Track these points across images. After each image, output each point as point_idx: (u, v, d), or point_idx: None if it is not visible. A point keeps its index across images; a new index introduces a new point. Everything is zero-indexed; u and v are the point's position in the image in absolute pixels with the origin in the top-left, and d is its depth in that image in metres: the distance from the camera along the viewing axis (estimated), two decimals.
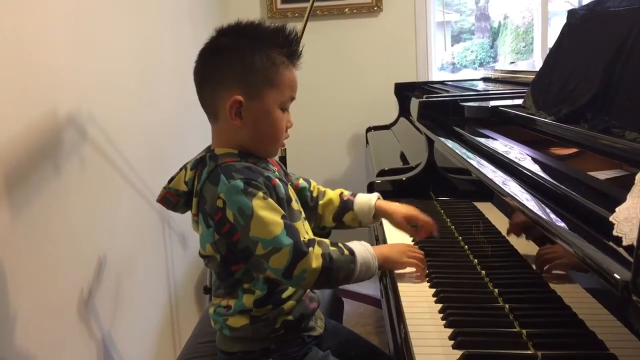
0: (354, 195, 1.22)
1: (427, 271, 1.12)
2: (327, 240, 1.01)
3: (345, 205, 1.20)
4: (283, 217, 0.96)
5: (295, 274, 0.93)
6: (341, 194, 1.22)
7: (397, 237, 1.29)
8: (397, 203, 1.25)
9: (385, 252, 1.08)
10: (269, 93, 1.01)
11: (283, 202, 1.01)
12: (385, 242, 1.32)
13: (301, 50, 1.05)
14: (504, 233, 1.07)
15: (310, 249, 0.95)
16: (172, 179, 1.06)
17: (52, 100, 1.28)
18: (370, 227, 1.66)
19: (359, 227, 1.23)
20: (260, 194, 0.95)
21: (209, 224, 0.98)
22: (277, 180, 1.01)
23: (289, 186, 1.07)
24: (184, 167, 1.05)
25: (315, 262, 0.94)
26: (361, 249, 1.02)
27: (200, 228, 1.01)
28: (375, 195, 1.23)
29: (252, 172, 0.98)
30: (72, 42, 1.38)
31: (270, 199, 0.96)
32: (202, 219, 1.00)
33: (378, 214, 1.21)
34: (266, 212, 0.94)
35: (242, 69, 0.99)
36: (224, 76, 1.00)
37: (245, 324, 1.02)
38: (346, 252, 1.00)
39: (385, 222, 1.51)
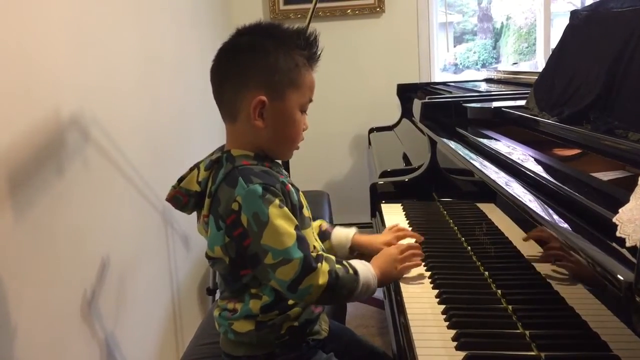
0: (332, 227, 1.24)
1: (430, 272, 1.12)
2: (333, 257, 1.00)
3: (323, 236, 1.20)
4: (296, 227, 0.95)
5: (301, 288, 0.93)
6: (321, 225, 1.23)
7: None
8: (375, 234, 1.27)
9: (381, 268, 1.07)
10: (292, 94, 1.00)
11: (296, 209, 1.00)
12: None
13: (320, 53, 1.04)
14: (506, 234, 1.07)
15: (319, 264, 0.95)
16: (182, 178, 1.05)
17: (54, 101, 1.29)
18: (374, 227, 1.66)
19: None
20: (277, 201, 0.94)
21: (219, 226, 0.97)
22: (290, 186, 1.01)
23: (300, 193, 1.07)
24: (197, 166, 1.04)
25: (322, 278, 0.94)
26: (363, 268, 1.02)
27: (210, 230, 1.00)
28: (354, 229, 1.24)
29: (269, 177, 0.97)
30: (75, 43, 1.39)
31: (285, 208, 0.95)
32: (212, 220, 0.99)
33: (354, 246, 1.22)
34: (281, 221, 0.93)
35: (266, 69, 0.99)
36: (248, 76, 0.99)
37: (251, 330, 1.01)
38: (351, 271, 1.00)
39: (386, 220, 1.52)
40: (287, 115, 1.01)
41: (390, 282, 1.12)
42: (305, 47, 1.02)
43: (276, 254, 0.92)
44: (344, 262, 1.01)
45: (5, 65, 1.10)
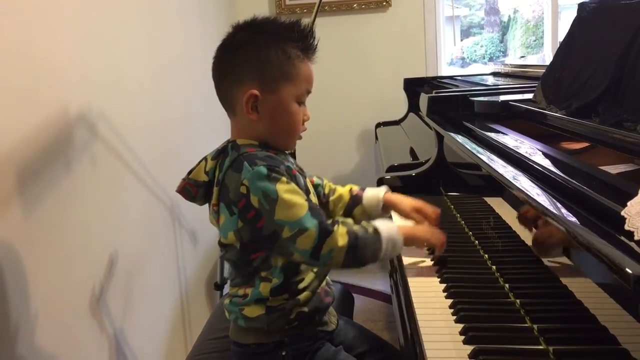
0: (362, 189, 1.25)
1: (438, 266, 1.12)
2: (350, 220, 1.02)
3: (355, 200, 1.22)
4: (306, 199, 0.97)
5: (323, 253, 0.95)
6: (351, 189, 1.24)
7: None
8: (405, 196, 1.26)
9: (406, 229, 1.09)
10: (285, 87, 1.02)
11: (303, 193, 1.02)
12: None
13: (316, 44, 1.06)
14: (514, 228, 1.07)
15: (335, 227, 0.96)
16: (191, 170, 1.07)
17: (62, 98, 1.29)
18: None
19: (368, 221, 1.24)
20: (284, 178, 0.96)
21: (232, 211, 0.99)
22: (296, 171, 1.03)
23: (307, 179, 1.08)
24: (204, 158, 1.07)
25: (342, 240, 0.95)
26: (385, 226, 1.03)
27: (222, 217, 1.02)
28: (384, 188, 1.26)
29: (274, 160, 0.99)
30: (82, 41, 1.39)
31: (293, 183, 0.97)
32: (224, 207, 1.01)
33: (386, 205, 1.23)
34: (290, 195, 0.95)
35: (257, 63, 1.01)
36: (241, 71, 1.02)
37: (261, 314, 1.02)
38: (370, 230, 1.00)
39: (393, 214, 1.52)
40: (282, 107, 1.03)
41: (417, 242, 1.12)
42: (299, 40, 1.03)
43: (292, 226, 0.94)
44: (363, 224, 1.02)
45: (13, 63, 1.11)
